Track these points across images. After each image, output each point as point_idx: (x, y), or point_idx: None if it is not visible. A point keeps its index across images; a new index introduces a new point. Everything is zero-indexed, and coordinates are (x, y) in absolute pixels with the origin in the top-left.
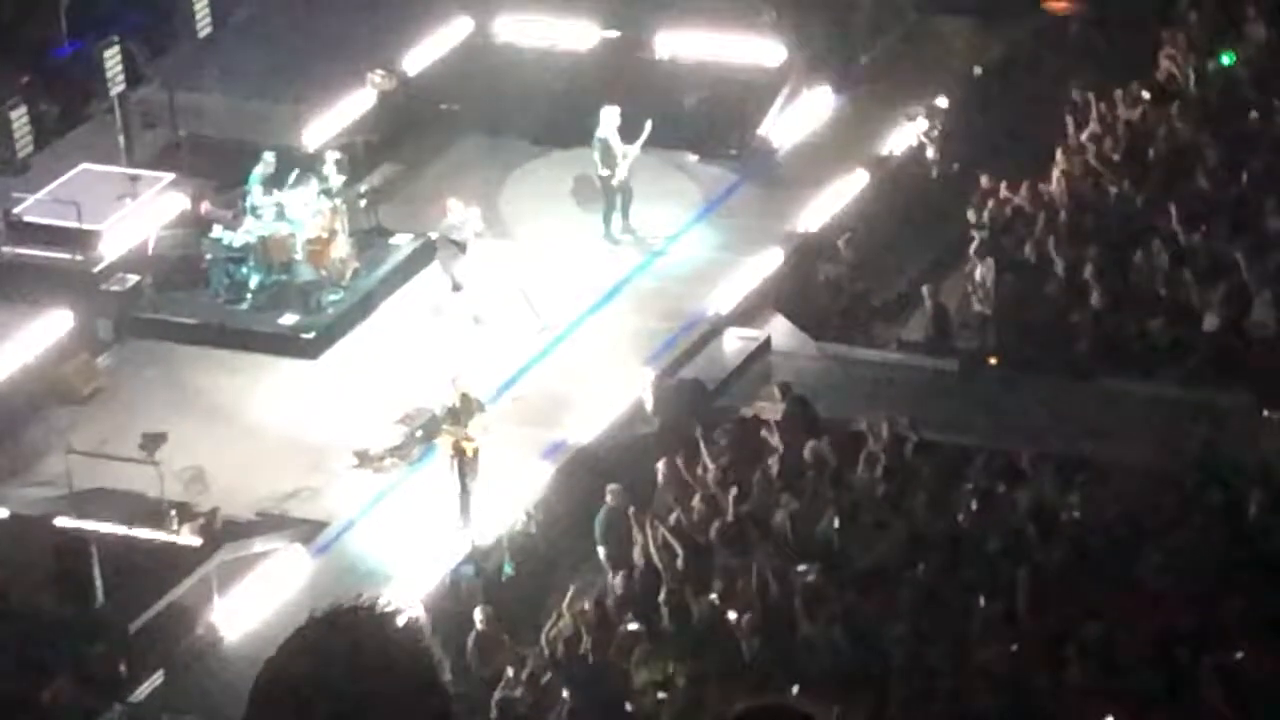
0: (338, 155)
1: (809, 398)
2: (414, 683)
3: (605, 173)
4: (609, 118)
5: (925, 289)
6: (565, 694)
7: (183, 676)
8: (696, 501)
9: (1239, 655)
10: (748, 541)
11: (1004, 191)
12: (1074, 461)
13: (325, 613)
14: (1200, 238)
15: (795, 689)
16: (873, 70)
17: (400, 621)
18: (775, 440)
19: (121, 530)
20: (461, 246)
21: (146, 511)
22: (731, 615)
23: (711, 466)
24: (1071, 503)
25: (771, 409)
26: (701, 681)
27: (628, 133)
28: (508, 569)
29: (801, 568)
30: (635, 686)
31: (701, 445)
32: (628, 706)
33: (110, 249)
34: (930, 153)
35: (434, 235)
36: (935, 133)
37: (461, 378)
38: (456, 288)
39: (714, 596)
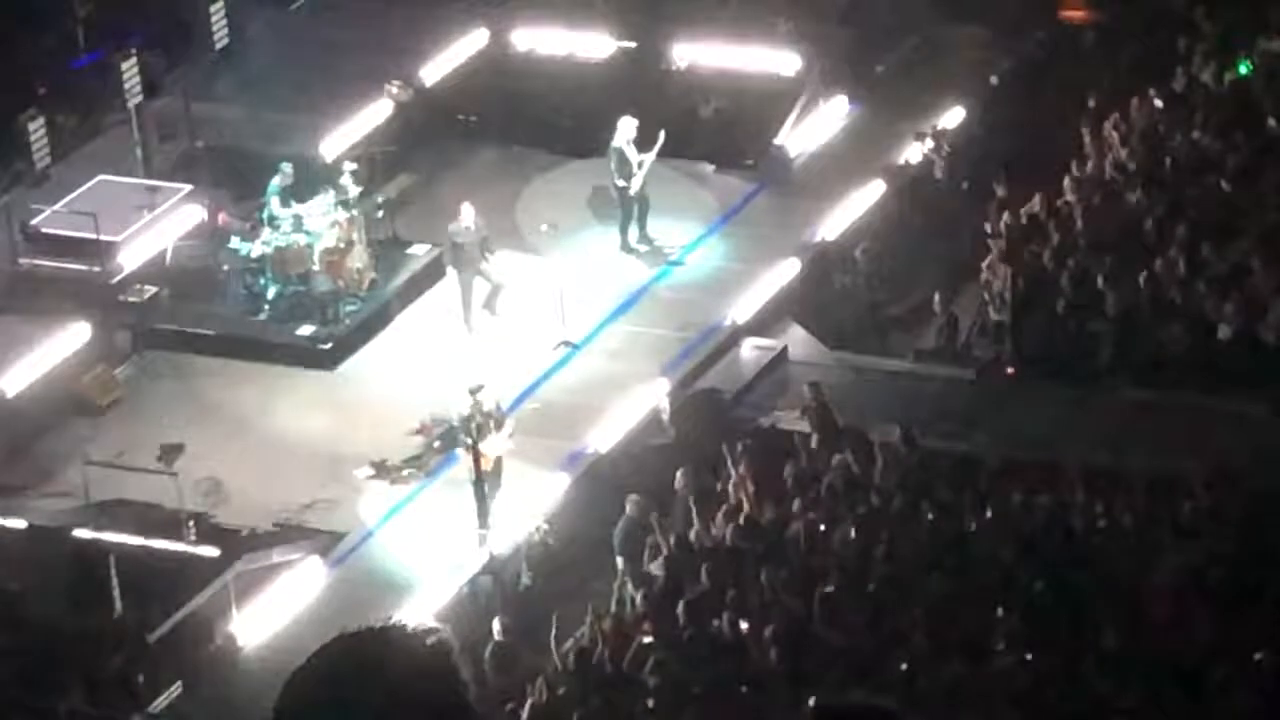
0: (354, 166)
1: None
2: (442, 702)
3: (622, 183)
4: (625, 128)
5: (936, 298)
6: (581, 705)
7: (201, 687)
8: (715, 511)
9: (1258, 660)
10: (767, 552)
11: (1021, 201)
12: (1091, 471)
13: (356, 631)
14: (1216, 246)
15: (812, 700)
16: (889, 80)
17: (430, 641)
18: (799, 450)
19: (139, 541)
20: (466, 251)
21: (164, 522)
22: (746, 625)
23: (731, 476)
24: (1090, 511)
25: (789, 418)
26: (719, 692)
27: (643, 143)
28: (525, 580)
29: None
30: (651, 697)
31: (726, 456)
32: (644, 717)
33: (128, 260)
34: (938, 172)
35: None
36: (943, 152)
37: (482, 391)
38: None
39: (732, 606)
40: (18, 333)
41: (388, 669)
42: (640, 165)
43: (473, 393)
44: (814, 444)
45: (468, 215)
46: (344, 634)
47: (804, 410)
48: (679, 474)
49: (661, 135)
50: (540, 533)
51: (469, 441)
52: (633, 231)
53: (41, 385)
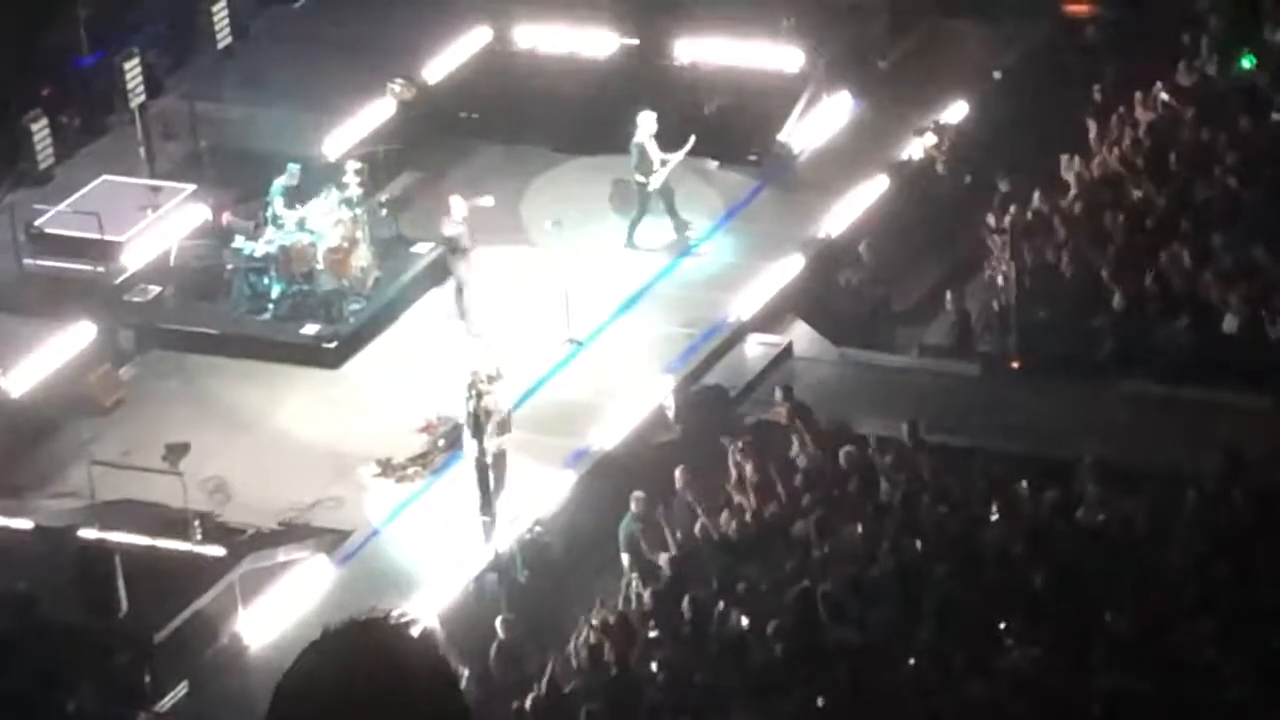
0: (358, 164)
1: (810, 402)
2: (431, 694)
3: (641, 179)
4: (645, 123)
5: (948, 294)
6: (586, 701)
7: (207, 686)
8: (720, 508)
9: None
10: (771, 549)
11: (1024, 195)
12: (1098, 464)
13: (340, 626)
14: (1221, 239)
15: (820, 699)
16: (892, 75)
17: (416, 632)
18: (798, 447)
19: (145, 540)
20: (456, 246)
21: (170, 522)
22: (746, 621)
23: (734, 473)
24: (1097, 505)
25: (776, 414)
26: (725, 690)
27: (662, 139)
28: (520, 577)
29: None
30: (656, 694)
31: (727, 452)
32: (648, 714)
33: (132, 260)
34: (940, 167)
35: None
36: (946, 147)
37: (498, 381)
38: (459, 290)
39: (738, 604)
40: (22, 333)
41: (378, 664)
42: (663, 163)
43: (490, 379)
44: (809, 441)
45: (458, 209)
46: (328, 632)
47: (787, 414)
48: (678, 472)
49: (691, 140)
50: (534, 531)
51: (474, 422)
52: (649, 226)
53: (46, 385)
